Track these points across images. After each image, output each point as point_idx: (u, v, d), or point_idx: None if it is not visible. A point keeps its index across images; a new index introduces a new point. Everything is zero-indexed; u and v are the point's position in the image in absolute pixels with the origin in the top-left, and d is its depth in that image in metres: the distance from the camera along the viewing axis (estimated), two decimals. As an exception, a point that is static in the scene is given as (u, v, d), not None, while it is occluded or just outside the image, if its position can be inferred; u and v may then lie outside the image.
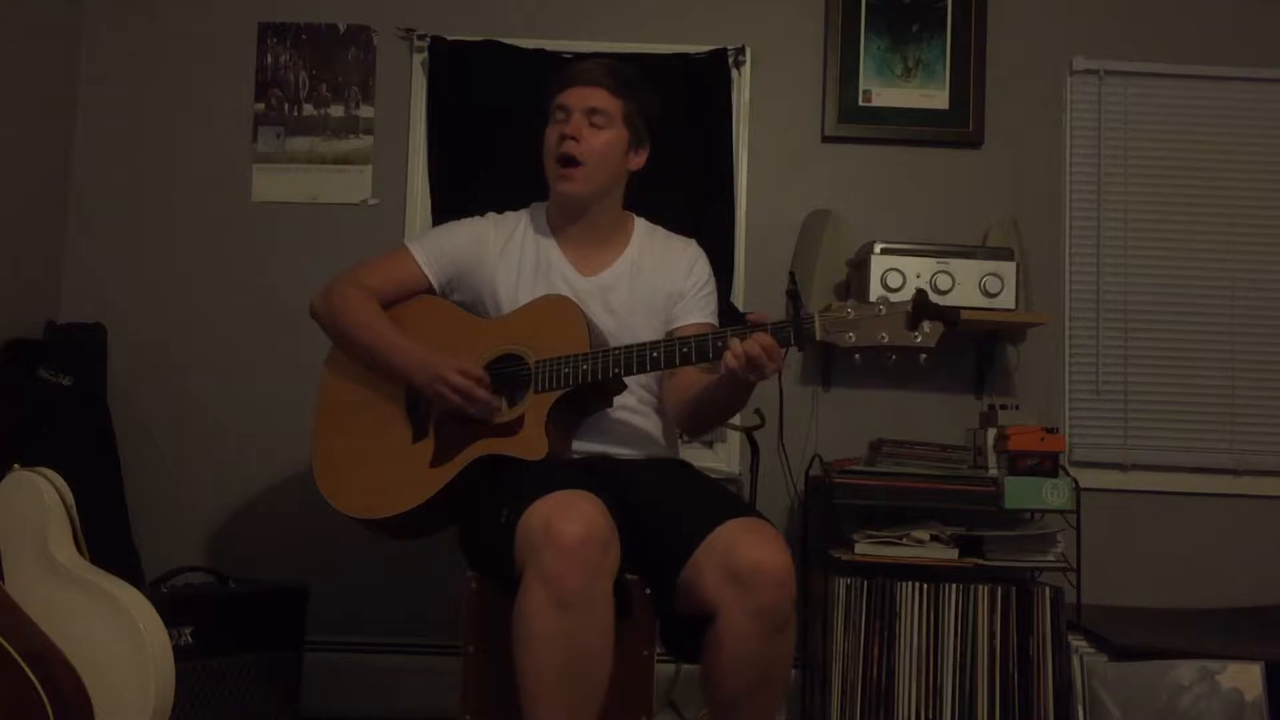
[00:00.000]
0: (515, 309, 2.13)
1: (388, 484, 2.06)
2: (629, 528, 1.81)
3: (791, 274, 2.01)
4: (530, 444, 1.97)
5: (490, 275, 2.18)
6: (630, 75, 2.21)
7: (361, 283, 2.18)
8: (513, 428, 2.00)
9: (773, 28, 3.20)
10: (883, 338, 1.82)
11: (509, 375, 2.04)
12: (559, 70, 2.24)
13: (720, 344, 1.89)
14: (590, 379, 1.97)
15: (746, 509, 1.94)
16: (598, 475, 1.92)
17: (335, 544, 2.82)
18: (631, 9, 3.20)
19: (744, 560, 1.77)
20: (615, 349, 1.97)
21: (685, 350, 1.93)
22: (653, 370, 1.99)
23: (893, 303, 1.84)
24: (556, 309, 2.07)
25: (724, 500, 1.99)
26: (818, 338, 1.85)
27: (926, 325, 1.81)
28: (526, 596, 1.72)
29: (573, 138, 2.12)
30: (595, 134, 2.13)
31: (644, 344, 1.98)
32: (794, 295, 1.91)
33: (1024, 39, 3.21)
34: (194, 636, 2.38)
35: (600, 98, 2.14)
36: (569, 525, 1.70)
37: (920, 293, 1.83)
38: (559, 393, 1.99)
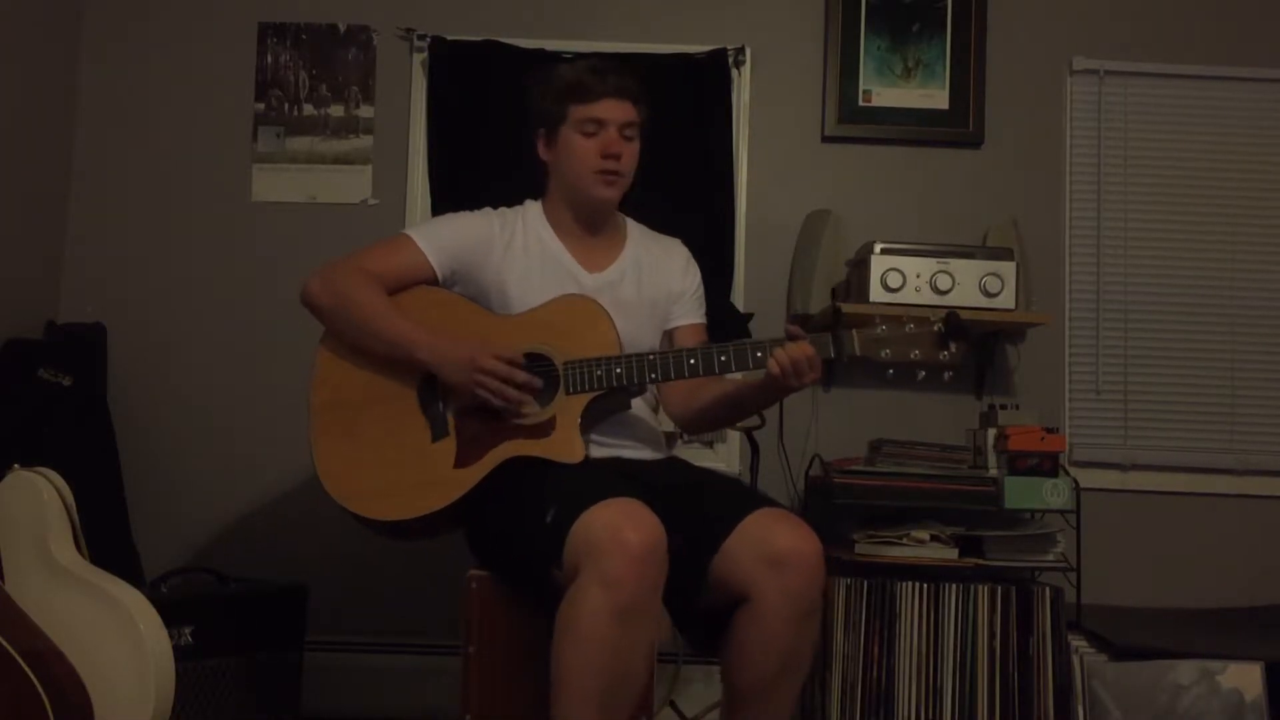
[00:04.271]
0: (533, 308, 2.09)
1: (409, 485, 2.01)
2: None
3: (834, 290, 2.15)
4: (566, 446, 1.97)
5: (498, 270, 2.15)
6: (641, 81, 2.20)
7: (365, 270, 2.11)
8: (545, 429, 1.98)
9: (773, 28, 3.21)
10: (915, 355, 1.92)
11: (534, 375, 2.02)
12: (574, 74, 2.17)
13: (760, 354, 1.93)
14: (624, 382, 1.97)
15: (771, 500, 1.98)
16: (633, 479, 1.92)
17: (335, 544, 2.82)
18: (632, 9, 3.20)
19: (781, 545, 1.81)
20: (650, 354, 1.99)
21: (724, 358, 1.96)
22: (691, 376, 2.00)
23: (917, 318, 1.93)
24: (581, 310, 2.06)
25: (747, 491, 2.06)
26: (858, 353, 1.92)
27: (954, 345, 1.91)
28: (582, 598, 1.70)
29: (616, 155, 2.11)
30: (629, 146, 2.15)
31: (679, 350, 2.00)
32: (837, 313, 2.02)
33: (1024, 39, 3.21)
34: (194, 636, 2.38)
35: (631, 111, 2.14)
36: (636, 534, 1.70)
37: (952, 314, 1.93)
38: (591, 395, 1.98)
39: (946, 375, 1.95)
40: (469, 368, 1.96)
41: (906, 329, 1.91)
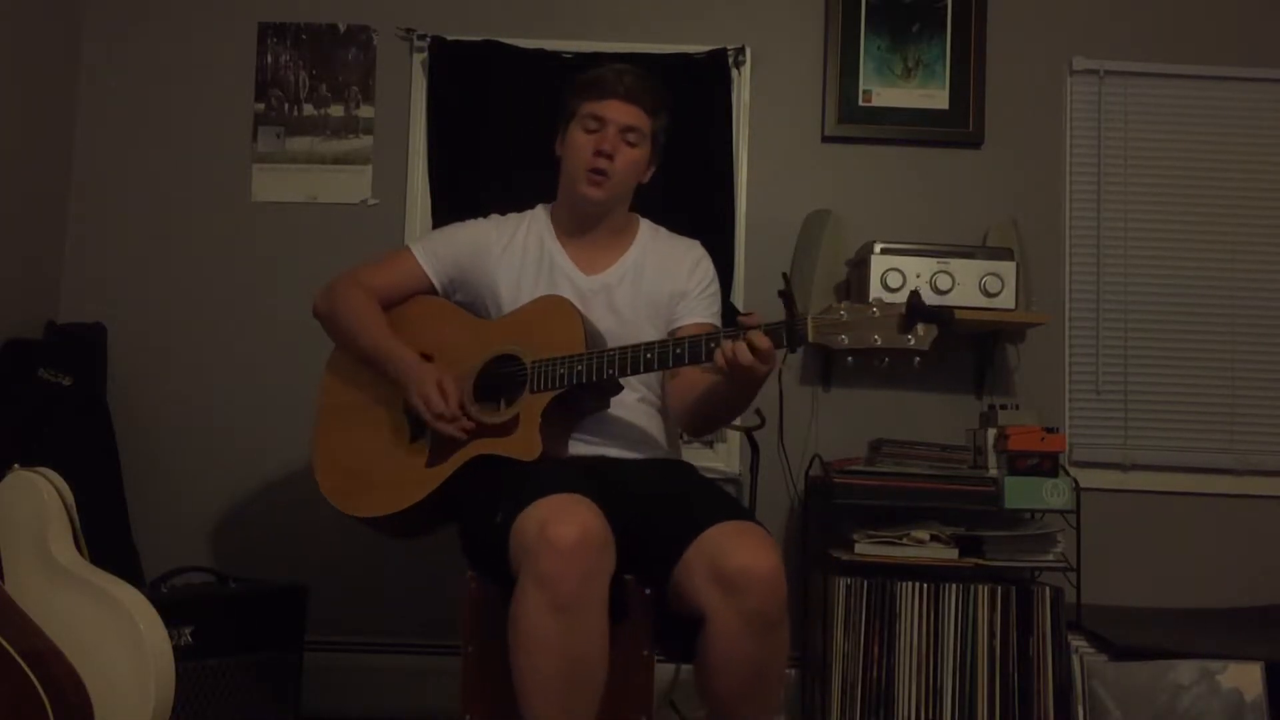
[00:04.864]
0: (515, 309, 2.13)
1: (386, 483, 2.08)
2: (625, 528, 1.81)
3: (785, 275, 2.00)
4: (523, 445, 1.98)
5: (492, 276, 2.19)
6: (660, 90, 2.22)
7: (363, 283, 2.19)
8: (508, 428, 2.00)
9: (773, 28, 3.20)
10: (876, 340, 1.80)
11: (506, 375, 2.04)
12: (596, 73, 2.20)
13: (713, 345, 1.88)
14: (585, 380, 1.97)
15: (737, 510, 1.93)
16: (594, 477, 1.92)
17: (335, 544, 2.82)
18: (632, 9, 3.20)
19: (731, 564, 1.77)
20: (610, 350, 1.97)
21: (679, 351, 1.93)
22: (646, 371, 1.98)
23: (887, 304, 1.82)
24: (553, 309, 2.07)
25: (715, 501, 1.98)
26: (811, 339, 1.83)
27: (920, 328, 1.79)
28: (522, 599, 1.72)
29: (609, 155, 2.12)
30: (628, 151, 2.15)
31: (638, 345, 1.97)
32: (786, 296, 1.89)
33: (1024, 39, 3.21)
34: (194, 636, 2.38)
35: (637, 117, 2.15)
36: (564, 528, 1.70)
37: (913, 294, 1.80)
38: (553, 393, 1.99)
39: (916, 361, 1.81)
40: (421, 402, 2.02)
41: (871, 313, 1.81)
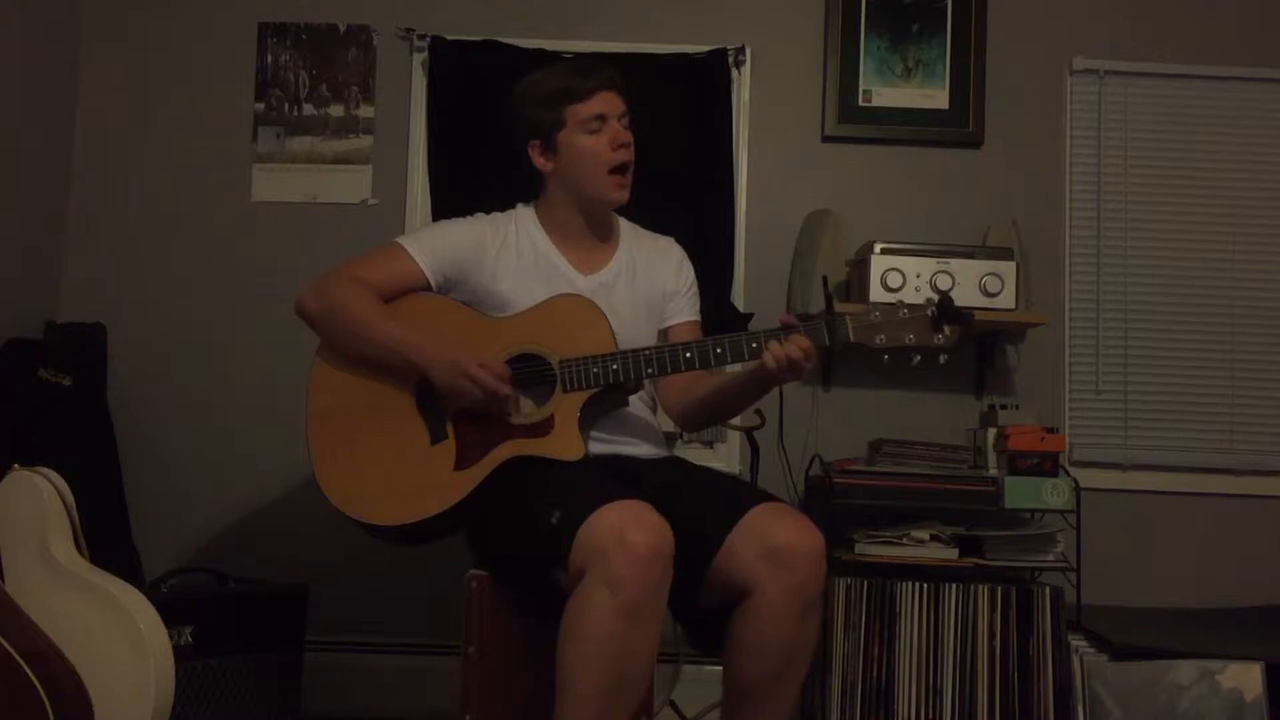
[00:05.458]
0: (526, 308, 2.10)
1: (410, 489, 2.01)
2: None
3: (824, 278, 2.13)
4: (566, 445, 1.97)
5: (491, 274, 2.16)
6: (622, 72, 2.22)
7: (358, 278, 2.12)
8: (543, 428, 1.99)
9: (773, 28, 3.21)
10: (909, 339, 1.92)
11: (529, 374, 2.03)
12: (560, 78, 2.17)
13: (755, 345, 1.93)
14: (620, 379, 1.97)
15: (768, 495, 1.98)
16: (624, 477, 1.92)
17: (335, 544, 2.80)
18: (632, 9, 3.20)
19: (781, 539, 1.82)
20: (645, 349, 1.99)
21: (720, 351, 1.96)
22: (687, 370, 2.01)
23: (910, 305, 1.93)
24: (575, 309, 2.06)
25: (748, 488, 2.05)
26: (852, 339, 1.92)
27: (947, 328, 1.91)
28: (587, 599, 1.71)
29: (626, 144, 2.14)
30: (630, 136, 2.16)
31: (674, 345, 2.00)
32: (828, 299, 2.00)
33: (1024, 39, 3.21)
34: (194, 636, 2.38)
35: (624, 103, 2.17)
36: (642, 535, 1.71)
37: (944, 295, 1.95)
38: (589, 392, 1.98)
39: (942, 359, 1.95)
40: (456, 373, 1.97)
41: (900, 314, 1.92)
